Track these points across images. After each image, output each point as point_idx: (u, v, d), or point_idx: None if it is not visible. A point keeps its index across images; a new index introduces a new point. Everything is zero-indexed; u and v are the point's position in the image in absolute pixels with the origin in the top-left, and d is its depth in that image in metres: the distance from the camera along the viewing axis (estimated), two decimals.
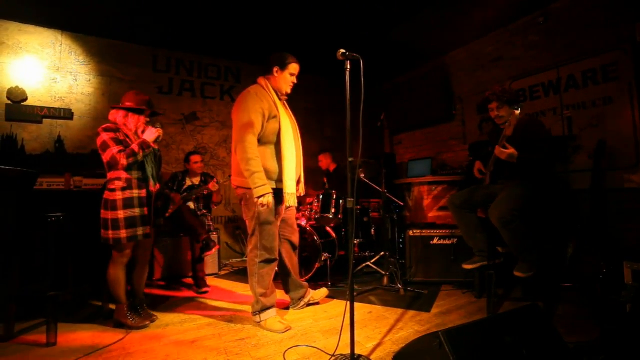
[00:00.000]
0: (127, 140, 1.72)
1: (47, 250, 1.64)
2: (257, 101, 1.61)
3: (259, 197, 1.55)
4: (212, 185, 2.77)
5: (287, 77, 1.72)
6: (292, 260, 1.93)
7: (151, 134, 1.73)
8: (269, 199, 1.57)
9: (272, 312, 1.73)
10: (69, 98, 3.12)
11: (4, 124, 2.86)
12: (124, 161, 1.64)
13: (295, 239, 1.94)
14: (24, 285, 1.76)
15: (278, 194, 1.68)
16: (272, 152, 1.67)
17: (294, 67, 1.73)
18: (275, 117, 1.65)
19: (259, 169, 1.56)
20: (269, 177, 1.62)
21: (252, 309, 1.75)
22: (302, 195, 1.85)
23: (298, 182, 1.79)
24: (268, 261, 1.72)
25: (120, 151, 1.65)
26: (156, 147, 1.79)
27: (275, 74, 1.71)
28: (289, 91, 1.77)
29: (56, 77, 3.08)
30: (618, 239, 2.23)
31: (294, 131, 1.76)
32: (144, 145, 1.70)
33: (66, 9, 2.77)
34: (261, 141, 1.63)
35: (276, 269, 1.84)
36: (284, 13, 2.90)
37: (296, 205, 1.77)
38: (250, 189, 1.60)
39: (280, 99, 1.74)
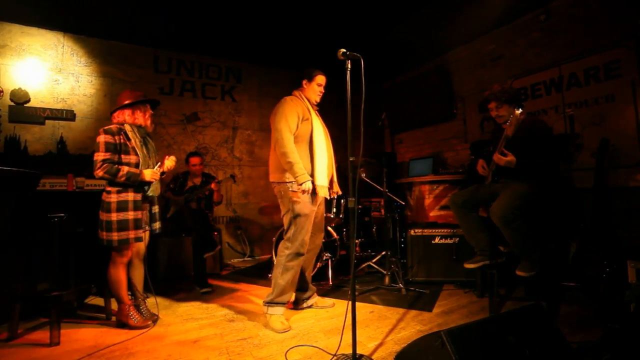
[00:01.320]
0: (127, 143, 1.72)
1: (50, 251, 1.65)
2: (292, 105, 1.81)
3: (300, 184, 1.70)
4: (214, 185, 2.79)
5: (315, 87, 1.90)
6: (309, 260, 1.99)
7: (151, 175, 1.72)
8: (309, 185, 1.73)
9: (279, 310, 1.76)
10: (71, 99, 3.14)
11: (8, 125, 2.89)
12: (99, 172, 1.62)
13: (319, 238, 2.01)
14: (28, 285, 1.78)
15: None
16: (305, 151, 1.81)
17: (320, 78, 1.91)
18: (307, 119, 1.82)
19: (297, 160, 1.72)
20: None
21: (266, 297, 1.79)
22: (339, 193, 2.03)
23: (331, 182, 1.95)
24: (297, 255, 1.78)
25: (104, 160, 1.63)
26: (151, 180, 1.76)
27: (305, 85, 1.91)
28: (317, 99, 1.94)
29: (58, 79, 3.09)
30: (622, 238, 2.21)
31: (325, 135, 1.92)
32: (132, 177, 1.67)
33: (68, 10, 2.79)
34: (295, 140, 1.78)
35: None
36: (284, 12, 2.90)
37: (328, 197, 1.89)
38: (286, 183, 1.76)
39: (312, 107, 1.92)
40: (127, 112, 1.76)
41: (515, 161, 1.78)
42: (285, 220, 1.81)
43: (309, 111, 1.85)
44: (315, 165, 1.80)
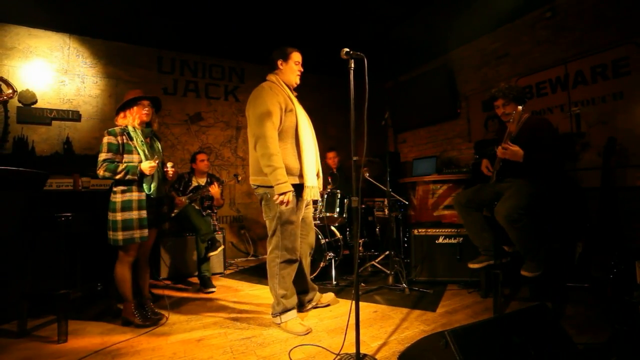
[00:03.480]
0: (130, 143, 1.74)
1: (57, 250, 1.67)
2: (273, 95, 1.59)
3: (280, 194, 1.51)
4: (212, 188, 2.78)
5: (293, 66, 1.72)
6: (305, 260, 1.92)
7: (149, 167, 1.70)
8: (290, 196, 1.54)
9: (292, 314, 1.70)
10: (77, 100, 3.18)
11: (16, 126, 2.93)
12: (100, 171, 1.67)
13: (312, 238, 1.93)
14: (36, 283, 1.80)
15: (299, 189, 1.65)
16: (292, 147, 1.63)
17: (297, 56, 1.73)
18: (291, 110, 1.63)
19: (281, 164, 1.53)
20: (290, 173, 1.59)
21: (272, 310, 1.73)
22: (320, 190, 1.83)
23: (317, 177, 1.78)
24: (289, 262, 1.68)
25: (105, 160, 1.67)
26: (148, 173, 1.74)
27: (281, 67, 1.71)
28: (297, 81, 1.76)
29: (64, 80, 3.13)
30: (629, 238, 2.18)
31: (310, 125, 1.74)
32: (131, 170, 1.68)
33: (74, 12, 2.82)
34: (280, 137, 1.59)
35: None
36: (287, 12, 2.90)
37: (318, 198, 1.73)
38: (271, 187, 1.56)
39: (292, 93, 1.73)
40: (120, 115, 1.81)
41: (523, 153, 1.75)
42: (270, 226, 1.65)
43: (292, 100, 1.65)
44: (304, 164, 1.62)
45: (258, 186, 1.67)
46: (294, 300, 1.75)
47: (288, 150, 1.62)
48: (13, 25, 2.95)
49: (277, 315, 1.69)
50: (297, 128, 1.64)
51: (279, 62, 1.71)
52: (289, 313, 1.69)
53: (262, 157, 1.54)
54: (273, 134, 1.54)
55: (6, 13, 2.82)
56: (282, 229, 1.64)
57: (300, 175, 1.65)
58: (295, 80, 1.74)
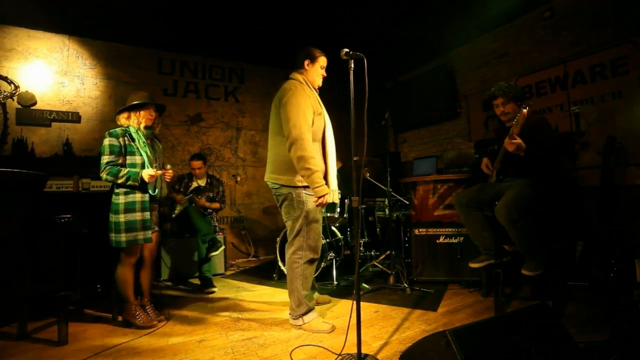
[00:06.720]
0: (132, 144, 1.74)
1: (57, 251, 1.67)
2: (306, 97, 1.58)
3: (320, 197, 1.52)
4: (212, 205, 2.88)
5: (318, 69, 1.70)
6: None
7: (148, 175, 1.69)
8: (329, 198, 1.55)
9: (314, 314, 1.70)
10: (77, 101, 3.17)
11: (15, 128, 2.93)
12: (103, 174, 1.67)
13: None
14: (36, 285, 1.80)
15: None
16: (318, 149, 1.65)
17: (323, 60, 1.72)
18: (320, 114, 1.63)
19: (318, 167, 1.53)
20: None
21: (292, 313, 1.69)
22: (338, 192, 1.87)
23: None
24: (312, 261, 1.69)
25: (108, 162, 1.67)
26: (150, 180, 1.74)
27: (307, 67, 1.68)
28: (320, 84, 1.75)
29: (64, 81, 3.13)
30: (629, 236, 2.18)
31: (331, 129, 1.75)
32: (133, 176, 1.68)
33: (73, 14, 2.82)
34: None
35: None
36: (286, 12, 2.90)
37: (337, 201, 1.74)
38: (297, 187, 1.59)
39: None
40: (124, 115, 1.80)
41: (525, 147, 1.74)
42: (294, 227, 1.64)
43: (320, 103, 1.66)
44: (328, 167, 1.65)
45: (282, 185, 1.63)
46: (314, 302, 1.78)
47: (315, 152, 1.62)
48: (12, 27, 2.95)
49: (298, 317, 1.67)
50: (324, 131, 1.64)
51: (306, 62, 1.68)
52: (310, 313, 1.69)
53: (300, 160, 1.51)
54: (309, 137, 1.53)
55: (5, 14, 2.82)
56: (307, 229, 1.63)
57: (325, 177, 1.64)
58: (319, 82, 1.73)
